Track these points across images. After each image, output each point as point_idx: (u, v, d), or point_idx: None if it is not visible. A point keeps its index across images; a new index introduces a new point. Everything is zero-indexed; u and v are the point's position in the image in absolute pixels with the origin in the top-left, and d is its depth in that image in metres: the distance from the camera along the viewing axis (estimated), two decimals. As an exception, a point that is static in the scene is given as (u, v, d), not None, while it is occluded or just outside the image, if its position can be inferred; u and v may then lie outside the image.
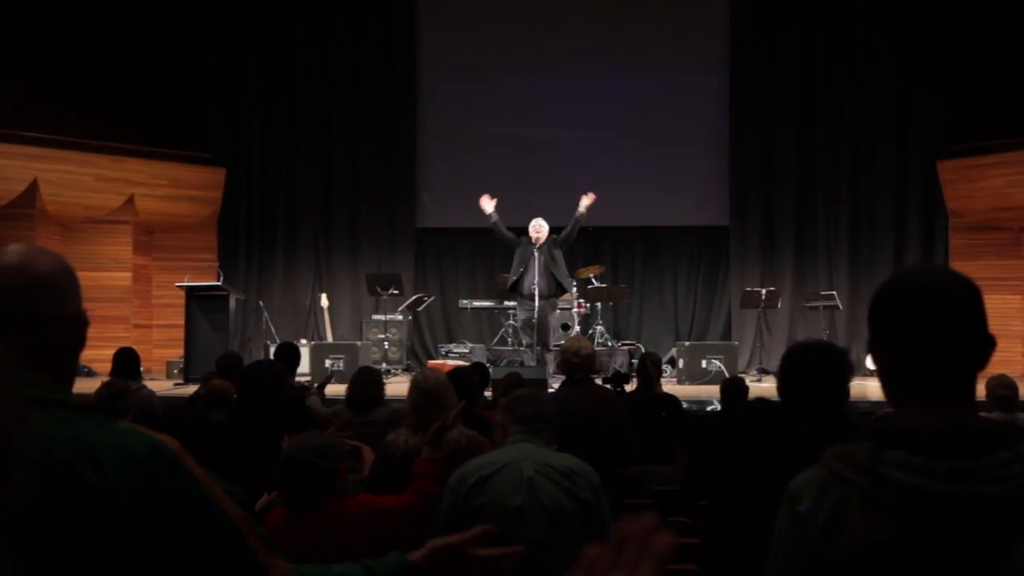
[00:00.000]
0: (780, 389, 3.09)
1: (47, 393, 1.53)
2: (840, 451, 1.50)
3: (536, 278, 11.10)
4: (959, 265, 13.26)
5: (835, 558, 1.46)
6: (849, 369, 2.97)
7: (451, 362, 12.73)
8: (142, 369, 8.21)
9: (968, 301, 1.49)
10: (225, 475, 3.58)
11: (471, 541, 1.85)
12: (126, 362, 7.10)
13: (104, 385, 5.51)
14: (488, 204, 11.40)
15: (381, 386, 5.85)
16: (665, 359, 13.21)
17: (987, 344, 1.49)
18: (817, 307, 13.72)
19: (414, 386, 4.24)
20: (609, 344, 13.87)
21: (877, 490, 1.43)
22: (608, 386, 7.23)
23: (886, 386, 1.55)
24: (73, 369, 1.66)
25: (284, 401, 4.91)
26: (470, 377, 6.06)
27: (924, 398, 1.48)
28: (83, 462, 1.48)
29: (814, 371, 2.94)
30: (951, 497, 1.39)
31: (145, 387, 7.20)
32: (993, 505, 1.37)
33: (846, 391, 2.95)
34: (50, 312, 1.58)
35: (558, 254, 11.37)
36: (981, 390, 6.96)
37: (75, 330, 1.63)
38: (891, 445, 1.44)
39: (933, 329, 1.47)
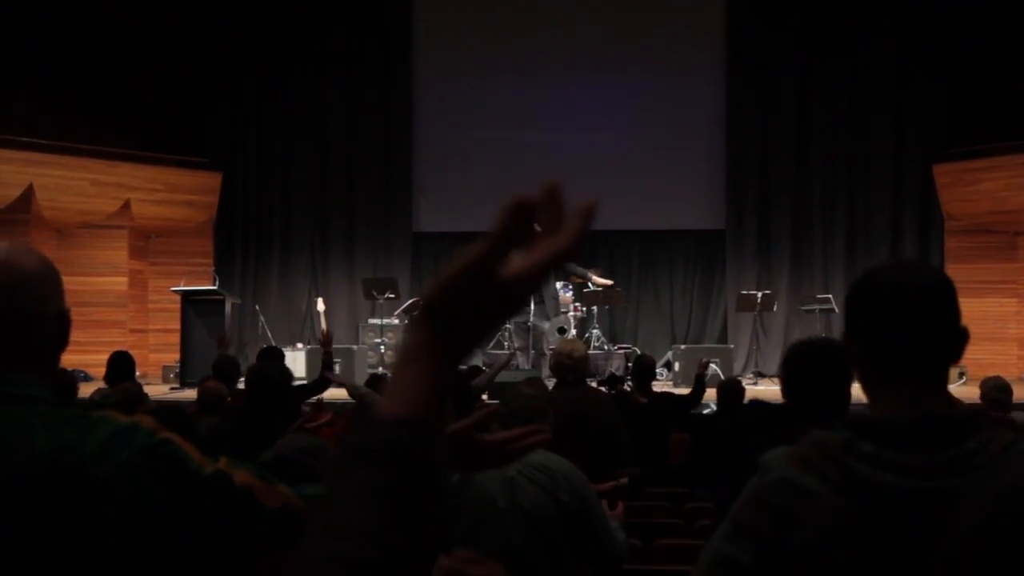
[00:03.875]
0: (785, 390, 3.06)
1: (29, 390, 1.54)
2: (815, 438, 1.51)
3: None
4: (954, 268, 13.28)
5: (789, 542, 1.47)
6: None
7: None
8: (137, 374, 8.19)
9: (941, 292, 1.51)
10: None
11: (475, 426, 1.54)
12: (121, 366, 7.04)
13: (119, 390, 5.42)
14: None
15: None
16: (661, 362, 13.21)
17: (959, 335, 1.52)
18: (813, 310, 13.72)
19: None
20: (605, 348, 13.86)
21: (844, 481, 1.44)
22: (603, 388, 7.24)
23: (860, 375, 1.57)
24: (54, 367, 1.67)
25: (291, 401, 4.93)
26: (466, 381, 6.05)
27: (896, 386, 1.50)
28: (67, 454, 1.49)
29: (820, 368, 2.90)
30: (916, 494, 1.40)
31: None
32: (955, 498, 1.38)
33: (850, 390, 2.84)
34: (33, 311, 1.59)
35: None
36: (974, 390, 6.97)
37: (58, 329, 1.64)
38: (866, 436, 1.45)
39: (906, 318, 1.49)
